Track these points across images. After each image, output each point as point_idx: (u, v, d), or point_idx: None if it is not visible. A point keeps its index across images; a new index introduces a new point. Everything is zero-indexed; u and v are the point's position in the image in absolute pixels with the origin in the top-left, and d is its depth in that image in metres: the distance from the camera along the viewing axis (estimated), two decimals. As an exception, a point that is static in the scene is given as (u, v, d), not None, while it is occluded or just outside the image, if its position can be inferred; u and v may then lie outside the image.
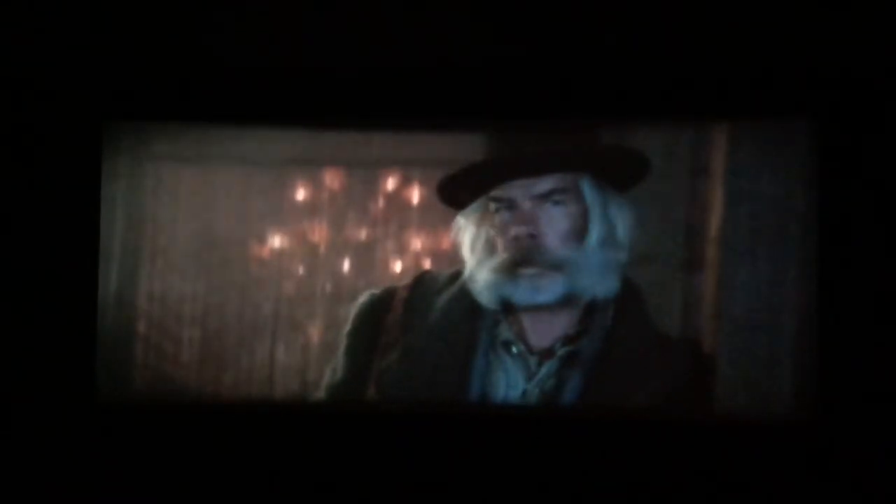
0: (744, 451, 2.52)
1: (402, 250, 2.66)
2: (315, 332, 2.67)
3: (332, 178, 2.70)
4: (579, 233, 2.50)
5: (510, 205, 2.52)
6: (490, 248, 2.54)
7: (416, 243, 2.66)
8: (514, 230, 2.50)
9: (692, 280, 2.55)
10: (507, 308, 2.54)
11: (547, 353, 2.52)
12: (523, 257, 2.50)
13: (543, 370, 2.51)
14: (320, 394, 2.63)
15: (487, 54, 2.54)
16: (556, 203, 2.50)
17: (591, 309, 2.52)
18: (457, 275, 2.58)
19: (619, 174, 2.55)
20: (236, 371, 2.69)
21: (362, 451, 2.61)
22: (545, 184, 2.51)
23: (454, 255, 2.61)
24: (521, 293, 2.51)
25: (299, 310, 2.68)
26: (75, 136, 2.69)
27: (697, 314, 2.54)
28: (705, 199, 2.57)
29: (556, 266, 2.49)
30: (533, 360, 2.52)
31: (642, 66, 2.57)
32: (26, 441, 2.65)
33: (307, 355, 2.67)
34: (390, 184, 2.68)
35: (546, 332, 2.52)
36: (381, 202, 2.68)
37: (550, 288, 2.49)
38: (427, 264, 2.64)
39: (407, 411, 2.59)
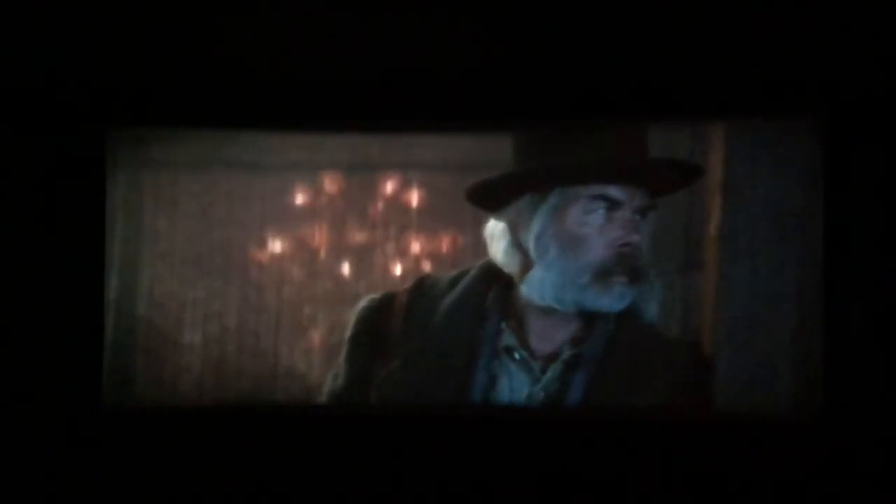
0: (745, 450, 2.53)
1: (402, 253, 2.66)
2: (316, 336, 2.67)
3: (331, 182, 2.70)
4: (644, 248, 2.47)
5: (615, 207, 2.43)
6: (575, 246, 2.43)
7: (416, 246, 2.66)
8: (625, 236, 2.42)
9: (692, 280, 2.56)
10: (510, 312, 2.51)
11: (551, 358, 2.50)
12: (625, 265, 2.42)
13: (548, 375, 2.48)
14: (322, 399, 2.62)
15: (484, 57, 2.53)
16: (643, 217, 2.44)
17: (596, 313, 2.50)
18: (457, 279, 2.55)
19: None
20: (238, 376, 2.69)
21: (366, 454, 2.62)
22: (648, 198, 2.45)
23: (455, 258, 2.61)
24: (607, 300, 2.43)
25: (300, 314, 2.68)
26: (79, 144, 2.69)
27: (697, 314, 2.55)
28: (704, 198, 2.57)
29: (643, 278, 2.45)
30: (536, 365, 2.49)
31: (640, 65, 2.56)
32: (31, 446, 2.65)
33: (309, 359, 2.67)
34: (389, 187, 2.68)
35: (550, 336, 2.49)
36: (380, 205, 2.68)
37: (628, 297, 2.44)
38: (427, 267, 2.64)
39: (410, 414, 2.59)
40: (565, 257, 2.44)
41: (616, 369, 2.50)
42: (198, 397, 2.70)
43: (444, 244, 2.63)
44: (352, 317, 2.61)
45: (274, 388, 2.69)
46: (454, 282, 2.56)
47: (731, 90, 2.58)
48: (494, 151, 2.59)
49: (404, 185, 2.67)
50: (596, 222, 2.43)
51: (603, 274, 2.43)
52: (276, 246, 2.70)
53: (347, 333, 2.61)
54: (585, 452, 2.57)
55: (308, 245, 2.69)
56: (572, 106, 2.63)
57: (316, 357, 2.67)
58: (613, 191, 2.42)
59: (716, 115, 2.61)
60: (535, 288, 2.46)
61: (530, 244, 2.46)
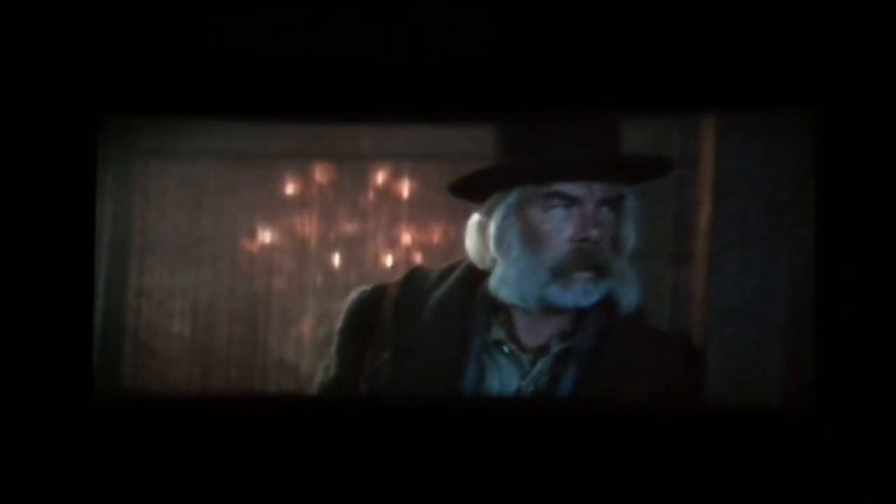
0: (735, 442, 2.53)
1: (392, 244, 2.65)
2: (306, 327, 2.67)
3: (321, 173, 2.69)
4: (619, 240, 2.45)
5: (573, 203, 2.42)
6: (536, 244, 2.43)
7: (407, 237, 2.65)
8: (583, 231, 2.41)
9: (682, 272, 2.56)
10: (498, 307, 2.50)
11: (540, 351, 2.50)
12: (584, 261, 2.41)
13: (537, 368, 2.49)
14: (313, 390, 2.62)
15: (477, 47, 2.53)
16: (611, 209, 2.43)
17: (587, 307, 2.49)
18: (447, 272, 2.55)
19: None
20: (227, 367, 2.69)
21: (356, 446, 2.62)
22: (614, 189, 2.43)
23: (446, 249, 2.60)
24: (570, 296, 2.42)
25: (290, 304, 2.67)
26: (70, 132, 2.67)
27: (687, 307, 2.55)
28: (694, 190, 2.57)
29: (609, 272, 2.43)
30: (526, 358, 2.49)
31: (631, 55, 2.56)
32: (19, 437, 2.64)
33: (299, 350, 2.67)
34: (380, 178, 2.67)
35: (539, 330, 2.49)
36: (371, 196, 2.67)
37: (595, 293, 2.43)
38: (418, 258, 2.64)
39: (400, 406, 2.59)
40: (526, 255, 2.44)
41: (606, 363, 2.50)
42: (187, 388, 2.69)
43: (435, 235, 2.62)
44: (343, 308, 2.61)
45: (263, 379, 2.68)
46: (444, 275, 2.55)
47: (723, 83, 2.57)
48: (485, 143, 2.59)
49: (395, 176, 2.67)
50: (555, 219, 2.43)
51: (562, 271, 2.42)
52: (266, 236, 2.69)
53: (338, 325, 2.60)
54: (575, 445, 2.57)
55: (298, 235, 2.68)
56: (563, 98, 2.62)
57: (306, 348, 2.67)
58: (568, 187, 2.42)
59: (707, 107, 2.60)
60: (498, 285, 2.46)
61: (492, 242, 2.46)
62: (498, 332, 2.50)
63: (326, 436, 2.63)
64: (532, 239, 2.44)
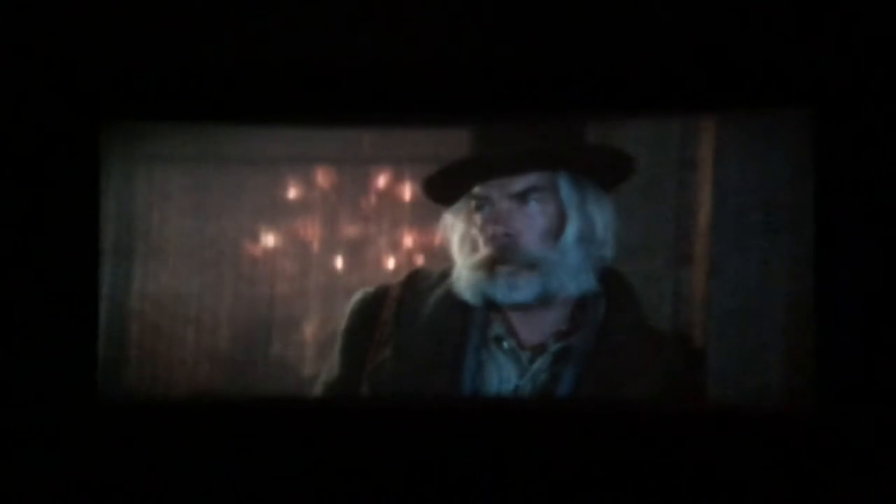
0: (735, 442, 2.54)
1: (394, 247, 2.66)
2: (309, 330, 2.68)
3: (323, 176, 2.70)
4: (556, 230, 2.49)
5: (487, 203, 2.51)
6: (472, 246, 2.53)
7: (409, 240, 2.66)
8: (491, 229, 2.50)
9: (682, 273, 2.57)
10: (493, 305, 2.53)
11: (539, 349, 2.52)
12: (500, 256, 2.49)
13: (536, 365, 2.51)
14: (316, 391, 2.64)
15: (476, 50, 2.54)
16: (534, 201, 2.49)
17: (583, 304, 2.52)
18: (448, 271, 2.58)
19: (603, 172, 2.55)
20: (231, 370, 2.69)
21: (359, 446, 2.62)
22: (521, 183, 2.49)
23: (446, 252, 2.61)
24: (500, 291, 2.50)
25: (293, 308, 2.68)
26: (73, 137, 2.69)
27: (688, 307, 2.55)
28: (694, 191, 2.58)
29: (531, 265, 2.48)
30: (525, 356, 2.52)
31: (630, 57, 2.57)
32: (25, 440, 2.65)
33: (302, 353, 2.68)
34: (382, 181, 2.68)
35: (536, 328, 2.52)
36: (372, 199, 2.68)
37: (526, 287, 2.49)
38: (420, 261, 2.65)
39: (401, 406, 2.60)
40: (466, 256, 2.54)
41: (605, 363, 2.52)
42: (191, 391, 2.70)
43: (437, 238, 2.63)
44: (346, 310, 2.63)
45: (267, 381, 2.69)
46: (445, 275, 2.58)
47: (723, 84, 2.58)
48: (482, 146, 2.61)
49: (397, 179, 2.68)
50: (479, 219, 2.52)
51: (482, 268, 2.51)
52: (268, 240, 2.70)
53: (342, 326, 2.62)
54: (575, 444, 2.57)
55: (301, 239, 2.69)
56: (564, 100, 2.63)
57: (309, 350, 2.67)
58: (478, 190, 2.52)
59: (707, 109, 2.61)
60: (460, 287, 2.55)
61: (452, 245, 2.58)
62: (498, 329, 2.53)
63: (330, 438, 2.64)
64: (468, 241, 2.54)
